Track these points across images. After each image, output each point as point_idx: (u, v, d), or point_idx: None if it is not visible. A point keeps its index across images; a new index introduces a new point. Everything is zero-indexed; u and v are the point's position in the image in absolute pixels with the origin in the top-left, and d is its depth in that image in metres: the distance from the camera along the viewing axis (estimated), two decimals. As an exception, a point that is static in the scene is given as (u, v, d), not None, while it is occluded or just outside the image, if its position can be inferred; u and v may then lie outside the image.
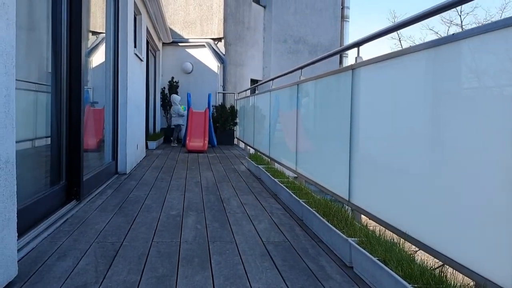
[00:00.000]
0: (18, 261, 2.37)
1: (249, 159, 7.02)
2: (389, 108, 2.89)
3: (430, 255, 2.30)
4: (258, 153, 7.80)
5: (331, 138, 4.02)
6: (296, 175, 5.27)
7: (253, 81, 14.17)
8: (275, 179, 4.90)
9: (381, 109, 3.01)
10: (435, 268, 2.11)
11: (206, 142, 9.85)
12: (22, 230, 2.74)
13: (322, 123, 4.36)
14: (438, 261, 2.25)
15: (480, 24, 2.13)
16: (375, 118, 3.09)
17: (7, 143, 2.16)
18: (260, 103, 8.12)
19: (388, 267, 2.09)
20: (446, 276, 1.96)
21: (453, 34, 2.22)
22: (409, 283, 1.90)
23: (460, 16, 28.22)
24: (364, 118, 3.26)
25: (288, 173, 5.60)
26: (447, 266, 2.15)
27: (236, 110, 11.64)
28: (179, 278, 2.32)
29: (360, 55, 3.41)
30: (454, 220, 2.12)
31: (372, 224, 3.00)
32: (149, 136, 10.14)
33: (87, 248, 2.77)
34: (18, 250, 2.55)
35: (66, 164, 3.84)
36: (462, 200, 2.08)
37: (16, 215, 2.27)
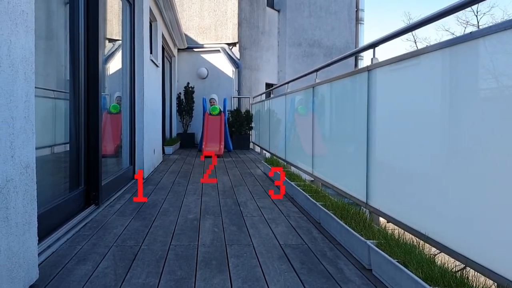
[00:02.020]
0: (39, 265, 2.41)
1: (265, 163, 7.02)
2: (406, 109, 2.86)
3: (451, 257, 2.26)
4: (274, 156, 7.79)
5: (347, 140, 4.00)
6: (312, 178, 5.24)
7: (268, 85, 14.18)
8: (292, 183, 4.89)
9: (398, 110, 2.98)
10: (457, 272, 2.07)
11: (222, 146, 9.88)
12: (42, 234, 2.78)
13: (338, 125, 4.33)
14: (458, 264, 2.22)
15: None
16: (392, 119, 3.06)
17: (27, 148, 2.20)
18: (275, 106, 8.12)
19: (408, 269, 2.07)
20: (467, 278, 1.93)
21: (470, 32, 2.20)
22: (430, 285, 1.87)
23: (476, 16, 27.88)
24: (381, 119, 3.23)
25: (304, 176, 5.58)
26: (468, 269, 2.11)
27: (252, 115, 11.66)
28: (197, 281, 2.32)
29: (376, 56, 3.39)
30: (476, 221, 2.08)
31: (390, 227, 2.96)
32: (165, 142, 10.22)
33: (106, 252, 2.80)
34: (39, 254, 2.59)
35: (85, 170, 3.89)
36: (484, 201, 2.04)
37: (36, 219, 2.30)
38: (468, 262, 2.10)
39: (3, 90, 1.94)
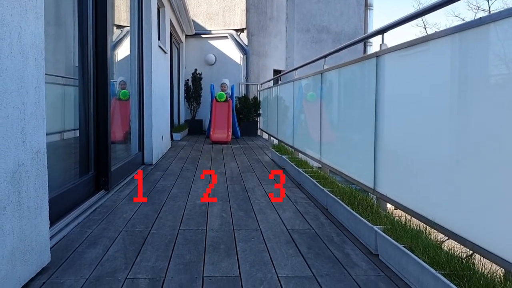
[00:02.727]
0: (50, 248, 2.46)
1: (273, 150, 7.04)
2: (414, 95, 2.85)
3: (457, 242, 2.27)
4: (282, 143, 7.80)
5: (355, 126, 3.99)
6: (320, 165, 5.25)
7: (276, 72, 14.13)
8: (299, 169, 4.91)
9: (406, 96, 2.97)
10: (464, 258, 2.09)
11: (230, 133, 9.90)
12: (53, 219, 2.83)
13: (346, 112, 4.33)
14: (466, 251, 2.23)
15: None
16: (400, 106, 3.05)
17: (38, 134, 2.23)
18: (283, 93, 8.11)
19: (415, 254, 2.08)
20: (473, 263, 1.94)
21: (480, 18, 2.17)
22: (436, 270, 1.89)
23: (488, 1, 27.40)
24: (389, 105, 3.22)
25: (312, 163, 5.59)
26: (475, 256, 2.12)
27: (259, 101, 11.65)
28: (206, 264, 2.36)
29: (385, 42, 3.37)
30: (484, 207, 2.09)
31: (397, 214, 2.98)
32: (174, 128, 10.26)
33: (116, 236, 2.84)
34: (50, 238, 2.63)
35: (94, 156, 3.94)
36: (492, 187, 2.05)
37: (48, 203, 2.34)
38: (474, 247, 2.11)
39: (14, 76, 1.96)
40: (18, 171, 2.00)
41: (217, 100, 10.43)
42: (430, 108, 2.62)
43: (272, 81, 11.20)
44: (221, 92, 10.51)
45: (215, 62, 12.52)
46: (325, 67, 5.01)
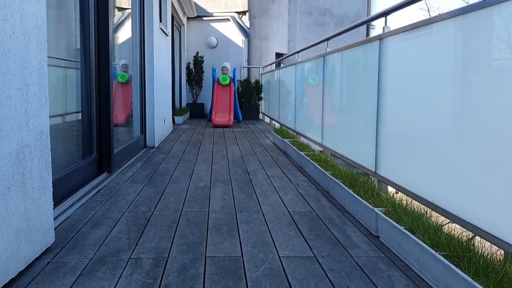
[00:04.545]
0: (54, 229, 2.49)
1: (275, 133, 7.04)
2: (417, 78, 2.84)
3: (458, 224, 2.29)
4: (284, 127, 7.80)
5: (357, 110, 3.99)
6: (321, 149, 5.27)
7: (278, 55, 14.05)
8: (301, 152, 4.92)
9: (409, 79, 2.96)
10: (464, 241, 2.11)
11: (232, 117, 9.89)
12: (57, 200, 2.85)
13: (348, 95, 4.32)
14: (466, 234, 2.25)
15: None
16: (403, 89, 3.05)
17: (41, 115, 2.24)
18: (285, 76, 8.08)
19: (415, 236, 2.10)
20: (473, 244, 1.97)
21: (484, 0, 2.16)
22: (436, 251, 1.91)
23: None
24: (392, 88, 3.21)
25: (313, 147, 5.60)
26: (476, 238, 2.14)
27: (261, 85, 11.61)
28: (208, 245, 2.39)
29: (388, 25, 3.34)
30: (485, 190, 2.10)
31: (397, 198, 3.00)
32: (175, 111, 10.25)
33: (119, 217, 2.87)
34: (54, 219, 2.66)
35: (97, 138, 3.95)
36: (493, 169, 2.06)
37: (51, 184, 2.36)
38: (474, 229, 2.13)
39: (16, 57, 1.97)
40: (22, 152, 2.01)
41: (219, 83, 10.37)
42: (433, 92, 2.62)
43: (274, 65, 11.15)
44: (225, 75, 10.45)
45: (216, 45, 12.44)
46: (328, 50, 4.98)
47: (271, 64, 11.36)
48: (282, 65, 8.74)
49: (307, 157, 4.58)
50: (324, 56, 5.08)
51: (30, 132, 2.11)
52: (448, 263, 1.76)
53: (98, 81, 3.96)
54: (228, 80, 10.41)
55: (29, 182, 2.08)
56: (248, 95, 11.43)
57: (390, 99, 3.24)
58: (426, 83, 2.71)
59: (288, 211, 3.09)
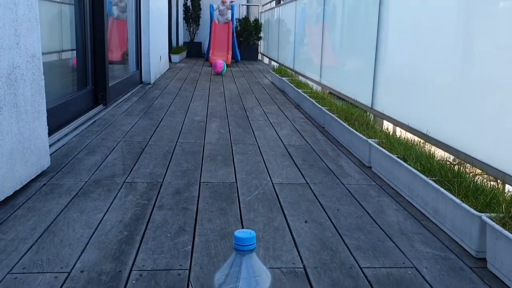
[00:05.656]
0: (50, 155, 2.50)
1: (273, 72, 6.96)
2: (417, 19, 2.76)
3: (451, 154, 2.31)
4: (283, 67, 7.69)
5: (356, 48, 3.92)
6: (320, 88, 5.22)
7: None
8: (299, 90, 4.88)
9: (408, 19, 2.88)
10: (454, 165, 2.13)
11: (230, 56, 9.72)
12: (53, 128, 2.85)
13: (348, 33, 4.22)
14: (458, 162, 2.27)
15: None
16: (403, 26, 2.97)
17: (33, 37, 2.18)
18: (285, 15, 7.87)
19: (407, 163, 2.12)
20: (465, 170, 1.99)
21: None
22: (427, 177, 1.93)
23: None
24: (392, 25, 3.14)
25: (311, 85, 5.55)
26: (466, 166, 2.17)
27: (261, 24, 11.33)
28: (203, 172, 2.42)
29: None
30: (476, 120, 2.10)
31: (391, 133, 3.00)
32: (172, 50, 10.07)
33: (114, 146, 2.88)
34: (50, 146, 2.67)
35: (92, 71, 3.91)
36: (485, 102, 2.04)
37: (45, 108, 2.35)
38: (466, 158, 2.15)
39: (3, -28, 1.88)
40: (13, 73, 1.98)
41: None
42: (432, 30, 2.55)
43: (274, 2, 10.82)
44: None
45: (215, -18, 12.01)
46: (329, -17, 4.82)
47: (270, 2, 11.02)
48: (282, 2, 8.48)
49: (305, 94, 4.55)
50: (325, -9, 4.92)
51: (21, 53, 2.06)
52: (438, 186, 1.79)
53: (93, 16, 3.88)
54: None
55: (22, 104, 2.06)
56: (247, 35, 11.19)
57: (389, 39, 3.17)
58: (426, 21, 2.64)
59: (284, 144, 3.11)
